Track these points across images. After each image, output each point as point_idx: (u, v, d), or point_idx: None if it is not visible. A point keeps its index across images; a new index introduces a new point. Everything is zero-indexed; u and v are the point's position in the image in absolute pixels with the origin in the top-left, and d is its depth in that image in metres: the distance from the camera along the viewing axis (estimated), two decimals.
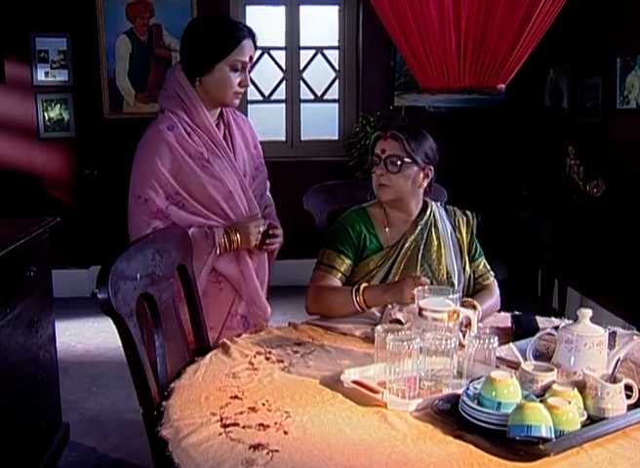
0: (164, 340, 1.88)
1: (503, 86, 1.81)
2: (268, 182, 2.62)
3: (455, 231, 2.43)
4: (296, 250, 5.42)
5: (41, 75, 5.33)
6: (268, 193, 2.62)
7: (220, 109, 2.36)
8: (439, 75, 1.74)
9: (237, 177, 2.32)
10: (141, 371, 1.70)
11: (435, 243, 2.38)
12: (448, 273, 2.35)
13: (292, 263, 5.45)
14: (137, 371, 1.70)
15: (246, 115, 5.61)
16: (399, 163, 2.30)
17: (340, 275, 2.33)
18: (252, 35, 2.26)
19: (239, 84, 2.25)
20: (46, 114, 5.36)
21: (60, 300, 3.35)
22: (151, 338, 1.88)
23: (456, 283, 2.33)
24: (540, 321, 2.18)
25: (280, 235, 2.47)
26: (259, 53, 5.64)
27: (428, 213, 2.39)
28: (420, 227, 2.37)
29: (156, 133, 2.24)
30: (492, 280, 2.46)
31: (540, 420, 1.39)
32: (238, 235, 2.28)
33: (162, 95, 2.33)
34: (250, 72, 2.31)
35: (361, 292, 2.20)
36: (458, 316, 1.86)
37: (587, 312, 1.72)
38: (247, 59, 2.24)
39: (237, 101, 2.32)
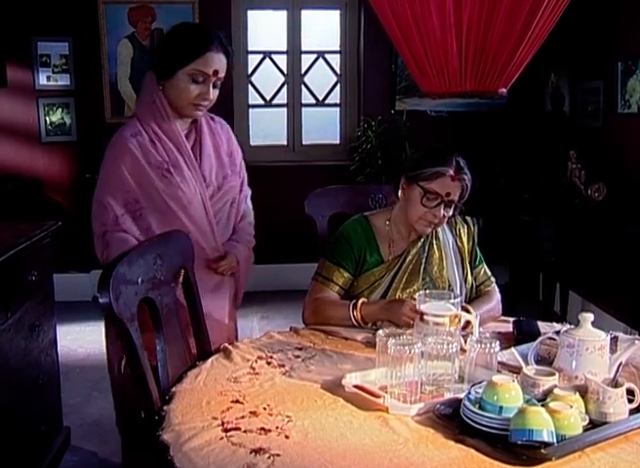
0: (165, 345, 1.88)
1: (505, 90, 1.80)
2: (249, 191, 2.57)
3: (456, 241, 2.41)
4: (297, 254, 5.45)
5: (43, 79, 5.33)
6: (248, 203, 2.57)
7: (189, 119, 2.33)
8: (440, 80, 1.74)
9: (199, 188, 2.28)
10: (142, 375, 1.70)
11: (436, 254, 2.36)
12: (449, 285, 2.34)
13: (293, 267, 5.47)
14: (137, 375, 1.70)
15: (247, 119, 5.67)
16: (457, 207, 2.28)
17: (337, 288, 2.32)
18: (224, 50, 2.20)
19: (198, 96, 2.19)
20: (47, 118, 5.37)
21: (62, 304, 3.34)
22: (153, 342, 1.88)
23: (457, 293, 2.32)
24: (542, 325, 2.18)
25: (228, 260, 2.38)
26: (260, 57, 5.67)
27: None
28: (421, 240, 2.35)
29: (120, 139, 2.24)
30: (493, 286, 2.44)
31: (542, 425, 1.39)
32: None
33: (138, 98, 2.34)
34: (217, 87, 2.23)
35: (358, 307, 2.19)
36: (459, 320, 1.87)
37: (589, 316, 1.72)
38: (209, 72, 2.16)
39: (199, 113, 2.26)
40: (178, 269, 2.03)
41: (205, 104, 2.23)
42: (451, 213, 2.27)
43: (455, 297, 1.92)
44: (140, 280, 1.77)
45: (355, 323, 2.18)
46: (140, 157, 2.20)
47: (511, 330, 2.18)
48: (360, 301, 2.20)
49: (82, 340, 4.52)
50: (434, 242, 2.37)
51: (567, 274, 4.71)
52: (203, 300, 2.16)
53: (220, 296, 2.40)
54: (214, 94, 2.23)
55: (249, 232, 2.53)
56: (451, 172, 2.21)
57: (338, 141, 5.85)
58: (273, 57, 5.71)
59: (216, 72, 2.18)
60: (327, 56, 5.78)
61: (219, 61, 2.18)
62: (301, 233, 3.69)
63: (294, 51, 5.71)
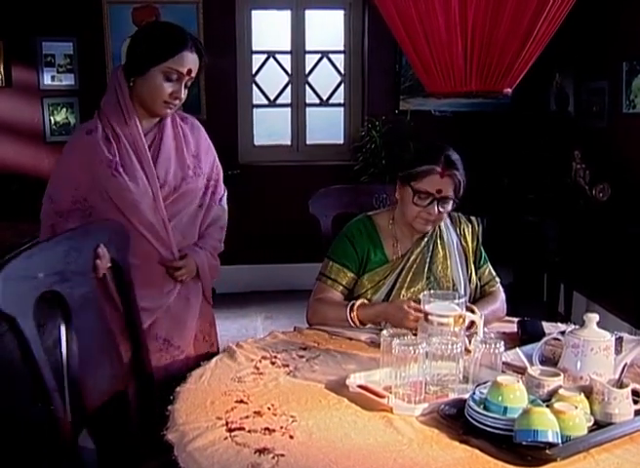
0: (77, 336, 1.86)
1: (510, 90, 1.80)
2: (224, 192, 2.52)
3: (460, 240, 2.40)
4: (301, 254, 5.45)
5: (47, 79, 5.34)
6: (223, 204, 2.50)
7: (155, 118, 2.29)
8: (445, 79, 1.74)
9: (152, 188, 2.22)
10: (36, 370, 1.66)
11: (441, 254, 2.36)
12: (454, 284, 2.34)
13: (297, 267, 5.47)
14: (31, 370, 1.67)
15: (251, 119, 5.67)
16: (450, 204, 2.26)
17: (341, 288, 2.32)
18: (197, 50, 2.20)
19: (170, 94, 2.17)
20: (52, 118, 5.37)
21: None
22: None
23: (461, 293, 2.32)
24: (547, 326, 2.18)
25: (186, 266, 2.31)
26: (264, 56, 5.67)
27: None
28: (426, 239, 2.35)
29: (76, 135, 2.27)
30: (497, 287, 2.44)
31: (547, 425, 1.39)
32: None
33: (105, 94, 2.28)
34: (187, 87, 2.22)
35: (355, 308, 2.19)
36: (463, 321, 1.86)
37: (594, 317, 1.71)
38: (183, 71, 2.15)
39: (168, 111, 2.23)
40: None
41: (176, 103, 2.21)
42: (449, 208, 2.26)
43: (459, 298, 1.91)
44: (41, 274, 1.72)
45: (353, 324, 2.18)
46: (90, 155, 2.18)
47: (516, 330, 2.17)
48: (358, 303, 2.20)
49: None
50: (438, 241, 2.37)
51: (571, 274, 4.71)
52: (161, 303, 2.24)
53: (182, 300, 2.34)
54: (184, 93, 2.22)
55: (216, 238, 2.45)
56: (438, 168, 2.20)
57: (342, 141, 5.85)
58: (277, 56, 5.71)
59: (189, 71, 2.18)
60: (331, 55, 5.77)
61: (193, 61, 2.18)
62: (305, 233, 3.69)
63: (298, 51, 5.71)
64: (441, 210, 2.23)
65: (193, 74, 2.20)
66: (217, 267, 2.43)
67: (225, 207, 2.52)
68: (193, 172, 2.34)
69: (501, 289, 2.45)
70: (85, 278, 1.91)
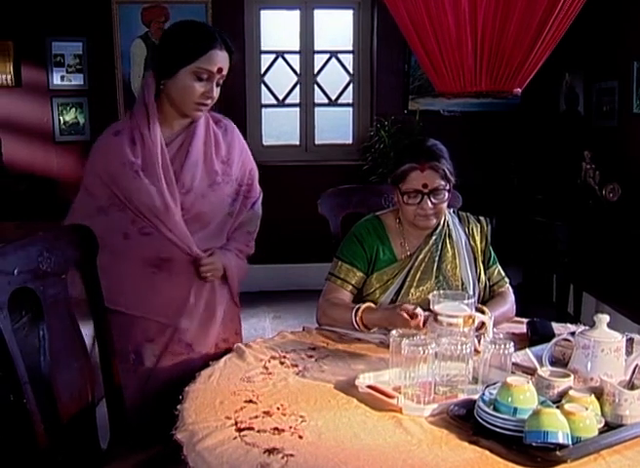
0: (48, 334, 1.90)
1: (520, 90, 1.79)
2: (260, 195, 2.48)
3: (469, 240, 2.40)
4: (310, 254, 5.45)
5: (57, 79, 5.36)
6: (255, 209, 2.47)
7: (185, 121, 2.26)
8: (455, 79, 1.74)
9: (172, 194, 2.19)
10: (10, 361, 1.70)
11: (449, 253, 2.35)
12: (463, 283, 2.33)
13: (306, 267, 5.47)
14: (5, 361, 1.70)
15: (260, 119, 5.68)
16: (445, 194, 2.24)
17: (350, 288, 2.32)
18: (227, 48, 2.17)
19: (202, 94, 2.15)
20: (61, 118, 5.40)
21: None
22: None
23: (470, 293, 2.31)
24: (556, 327, 2.17)
25: (213, 264, 2.28)
26: (273, 56, 5.68)
27: (442, 223, 2.35)
28: (434, 238, 2.35)
29: (104, 135, 2.26)
30: (507, 287, 2.43)
31: (557, 426, 1.38)
32: None
33: (137, 97, 2.32)
34: (219, 85, 2.19)
35: (360, 312, 2.17)
36: (473, 321, 1.86)
37: (604, 318, 1.71)
38: (214, 70, 2.13)
39: (200, 113, 2.21)
40: (73, 262, 2.02)
41: (208, 103, 2.19)
42: (445, 197, 2.24)
43: (469, 298, 1.91)
44: (16, 271, 1.77)
45: (357, 328, 2.18)
46: (113, 156, 2.18)
47: (525, 330, 2.17)
48: (363, 307, 2.19)
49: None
50: (447, 240, 2.36)
51: (581, 275, 4.69)
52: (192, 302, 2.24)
53: (208, 306, 2.33)
54: (216, 92, 2.20)
55: (242, 241, 2.43)
56: (416, 164, 2.19)
57: (350, 141, 5.85)
58: (286, 56, 5.71)
59: (220, 70, 2.15)
60: (340, 55, 5.77)
61: (223, 59, 2.16)
62: (314, 233, 3.69)
63: (307, 50, 5.71)
64: (435, 202, 2.23)
65: (224, 72, 2.18)
66: (244, 267, 2.42)
67: (258, 211, 2.48)
68: (222, 178, 2.30)
69: (511, 289, 2.44)
70: (56, 279, 1.94)
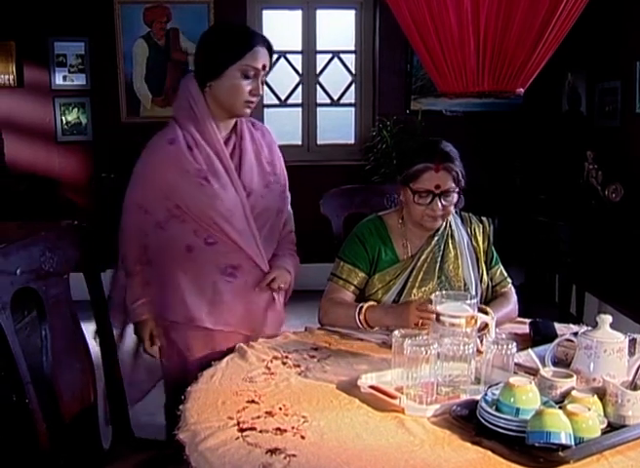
0: (50, 334, 1.92)
1: (522, 90, 1.79)
2: (289, 197, 2.49)
3: (471, 240, 2.39)
4: (312, 254, 5.43)
5: (59, 79, 5.36)
6: (289, 209, 2.50)
7: (234, 120, 2.27)
8: (458, 79, 1.73)
9: (239, 196, 2.21)
10: (12, 361, 1.70)
11: (452, 253, 2.35)
12: (465, 284, 2.33)
13: (308, 267, 5.45)
14: (7, 361, 1.71)
15: (262, 119, 5.68)
16: (454, 196, 2.24)
17: (352, 288, 2.32)
18: (267, 44, 2.19)
19: (250, 92, 2.15)
20: (64, 118, 5.40)
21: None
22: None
23: (473, 293, 2.31)
24: (559, 327, 2.17)
25: (281, 276, 2.32)
26: (275, 56, 5.66)
27: (445, 223, 2.35)
28: (436, 238, 2.34)
29: (157, 145, 2.18)
30: (509, 287, 2.43)
31: (560, 427, 1.38)
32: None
33: (175, 103, 2.27)
34: (263, 83, 2.21)
35: (363, 310, 2.18)
36: (475, 321, 1.85)
37: (607, 318, 1.70)
38: (259, 67, 2.14)
39: (248, 111, 2.21)
40: (75, 262, 2.03)
41: (255, 100, 2.19)
42: (454, 200, 2.24)
43: (471, 298, 1.91)
44: (18, 271, 1.78)
45: (361, 326, 2.18)
46: (177, 165, 2.14)
47: (528, 331, 2.16)
48: (366, 305, 2.20)
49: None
50: (449, 241, 2.36)
51: (584, 275, 4.68)
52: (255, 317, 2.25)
53: (273, 310, 2.35)
54: (262, 89, 2.21)
55: (290, 240, 2.47)
56: (432, 165, 2.19)
57: (352, 141, 5.85)
58: (288, 56, 5.71)
59: (264, 66, 2.17)
60: (342, 55, 5.77)
61: (265, 56, 2.17)
62: (316, 233, 3.68)
63: (309, 50, 5.71)
64: (445, 203, 2.23)
65: (267, 69, 2.19)
66: (298, 265, 2.46)
67: (291, 210, 2.51)
68: (272, 178, 2.33)
69: (513, 289, 2.43)
70: (58, 279, 1.95)
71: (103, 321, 2.14)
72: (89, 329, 2.13)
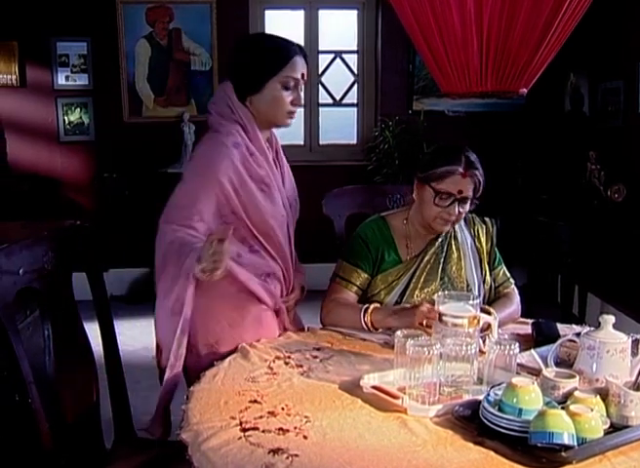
0: (53, 333, 1.94)
1: (525, 90, 1.79)
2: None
3: (474, 241, 2.39)
4: (314, 254, 5.43)
5: (61, 79, 5.37)
6: None
7: (269, 132, 2.23)
8: (461, 79, 1.73)
9: (285, 208, 2.21)
10: (15, 361, 1.71)
11: (455, 255, 2.35)
12: (468, 285, 2.33)
13: (310, 268, 5.45)
14: (9, 361, 1.71)
15: None
16: (470, 204, 2.26)
17: (355, 289, 2.31)
18: (303, 53, 2.16)
19: (291, 102, 2.12)
20: (66, 118, 5.40)
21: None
22: None
23: (475, 294, 2.30)
24: (561, 328, 2.16)
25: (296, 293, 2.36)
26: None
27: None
28: (439, 240, 2.34)
29: (221, 147, 2.07)
30: (512, 288, 2.43)
31: (563, 427, 1.37)
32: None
33: (213, 109, 2.17)
34: (302, 90, 2.18)
35: (369, 312, 2.18)
36: (478, 322, 1.85)
37: (610, 318, 1.70)
38: (299, 77, 2.12)
39: (290, 121, 2.18)
40: (77, 262, 2.03)
41: (296, 110, 2.17)
42: (467, 208, 2.25)
43: (474, 299, 1.90)
44: (21, 271, 1.78)
45: (366, 328, 2.18)
46: (243, 169, 2.09)
47: (530, 331, 2.16)
48: (372, 307, 2.19)
49: (98, 339, 4.52)
50: (452, 242, 2.35)
51: (586, 276, 4.68)
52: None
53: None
54: (302, 99, 2.19)
55: (296, 255, 2.44)
56: (460, 169, 2.19)
57: (355, 141, 5.85)
58: None
59: (303, 75, 2.15)
60: (344, 55, 5.77)
61: (303, 65, 2.15)
62: (318, 233, 3.67)
63: (311, 50, 5.70)
64: (460, 210, 2.23)
65: (305, 77, 2.17)
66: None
67: None
68: (297, 192, 2.35)
69: (516, 290, 2.43)
70: (60, 279, 1.96)
71: (106, 320, 2.14)
72: (91, 328, 2.13)
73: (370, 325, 2.17)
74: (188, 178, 2.11)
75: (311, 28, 5.68)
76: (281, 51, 2.11)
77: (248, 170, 2.10)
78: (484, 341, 1.85)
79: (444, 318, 1.84)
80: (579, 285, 4.73)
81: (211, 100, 2.22)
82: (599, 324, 1.72)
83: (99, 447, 2.06)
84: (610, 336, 1.68)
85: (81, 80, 5.39)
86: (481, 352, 1.80)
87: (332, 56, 5.75)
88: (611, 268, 4.60)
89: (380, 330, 2.17)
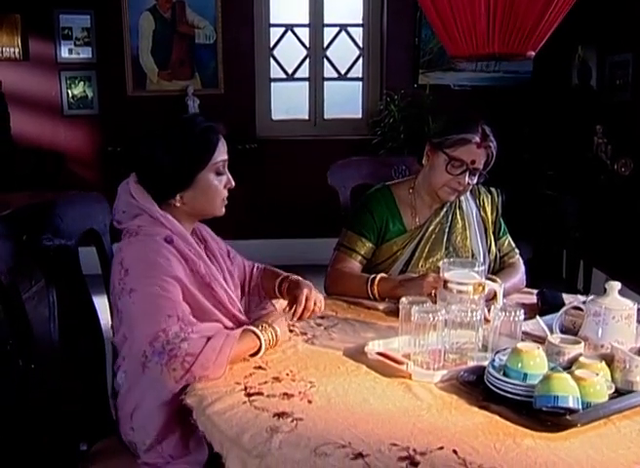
0: (58, 300, 1.90)
1: (533, 53, 1.76)
2: (238, 256, 2.19)
3: (479, 211, 2.39)
4: (318, 229, 5.44)
5: (65, 52, 5.33)
6: (245, 260, 2.21)
7: (193, 225, 1.97)
8: (468, 41, 1.71)
9: (232, 298, 1.93)
10: (23, 327, 1.73)
11: (460, 224, 2.34)
12: (473, 255, 2.32)
13: (314, 242, 5.46)
14: (15, 327, 1.72)
15: (269, 94, 5.64)
16: (481, 175, 2.25)
17: (360, 258, 2.31)
18: (223, 130, 1.90)
19: (225, 187, 1.90)
20: (70, 91, 5.37)
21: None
22: None
23: (480, 261, 2.30)
24: (567, 297, 2.16)
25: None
26: (282, 30, 5.63)
27: None
28: (444, 209, 2.34)
29: (152, 243, 1.78)
30: (517, 258, 2.43)
31: (568, 391, 1.37)
32: (278, 331, 1.80)
33: (124, 217, 1.86)
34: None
35: (376, 282, 2.17)
36: (483, 289, 1.84)
37: (616, 285, 1.69)
38: (226, 158, 1.89)
39: (224, 209, 1.94)
40: (85, 231, 2.01)
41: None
42: (475, 180, 2.24)
43: (479, 266, 1.90)
44: (24, 237, 1.77)
45: (372, 297, 2.17)
46: (184, 264, 1.82)
47: (535, 301, 2.16)
48: (378, 277, 2.18)
49: (106, 313, 4.53)
50: (457, 212, 2.35)
51: (591, 250, 4.65)
52: None
53: None
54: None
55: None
56: (477, 139, 2.18)
57: (360, 116, 5.81)
58: (295, 30, 5.66)
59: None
60: (349, 29, 5.72)
61: (224, 143, 1.91)
62: (323, 208, 3.67)
63: (316, 24, 5.66)
64: (469, 181, 2.22)
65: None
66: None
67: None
68: (230, 258, 2.16)
69: (521, 260, 2.43)
70: (69, 246, 1.94)
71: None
72: (100, 303, 2.10)
73: (377, 295, 2.16)
74: (142, 290, 1.72)
75: (316, 1, 5.62)
76: (207, 138, 1.87)
77: (190, 264, 1.83)
78: (489, 311, 1.85)
79: (449, 285, 1.83)
80: (584, 259, 4.70)
81: (117, 206, 1.89)
82: (605, 290, 1.71)
83: (105, 417, 2.06)
84: (615, 303, 1.68)
85: (84, 53, 5.35)
86: (486, 321, 1.79)
87: (337, 29, 5.70)
88: (617, 243, 4.58)
89: (386, 299, 2.17)
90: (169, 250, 1.77)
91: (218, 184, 1.88)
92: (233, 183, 1.92)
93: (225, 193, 1.92)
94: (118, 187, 1.90)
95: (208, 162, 1.85)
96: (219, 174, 1.88)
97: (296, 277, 2.06)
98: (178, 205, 1.86)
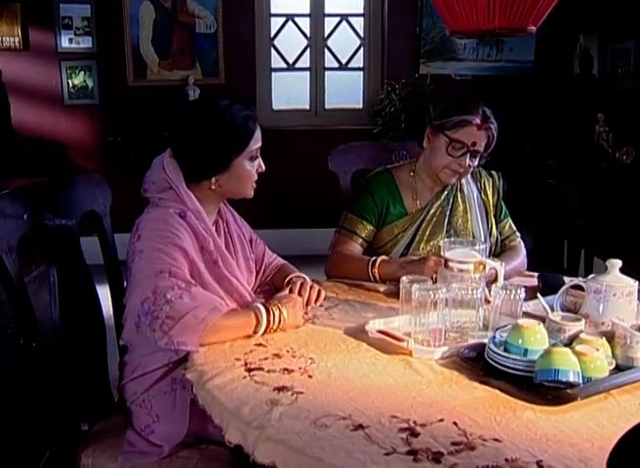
0: (59, 280, 1.92)
1: (534, 28, 1.76)
2: (263, 246, 2.28)
3: (480, 193, 2.39)
4: (319, 219, 5.43)
5: (65, 42, 5.32)
6: (269, 252, 2.30)
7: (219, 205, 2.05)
8: (468, 16, 1.70)
9: (239, 279, 1.97)
10: (24, 305, 1.72)
11: (461, 207, 2.34)
12: (474, 237, 2.32)
13: (315, 232, 5.46)
14: (16, 304, 1.71)
15: (269, 84, 5.63)
16: (480, 159, 2.25)
17: (360, 241, 2.30)
18: (257, 118, 1.97)
19: (256, 172, 1.98)
20: (70, 81, 5.37)
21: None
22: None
23: (481, 240, 2.30)
24: (568, 280, 2.15)
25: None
26: (283, 20, 5.62)
27: None
28: (445, 192, 2.33)
29: (167, 215, 1.85)
30: (518, 241, 2.43)
31: (568, 365, 1.37)
32: (285, 312, 1.79)
33: (152, 188, 1.93)
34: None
35: (377, 265, 2.16)
36: (484, 267, 1.84)
37: (617, 262, 1.69)
38: (260, 145, 1.96)
39: (253, 191, 2.02)
40: (86, 212, 2.02)
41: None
42: (476, 163, 2.24)
43: (480, 244, 1.89)
44: (25, 216, 1.76)
45: (373, 280, 2.17)
46: (194, 238, 1.89)
47: (536, 284, 2.15)
48: (379, 259, 2.18)
49: (107, 301, 4.53)
50: (458, 194, 2.34)
51: (592, 239, 4.65)
52: None
53: None
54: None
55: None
56: (477, 120, 2.17)
57: (360, 105, 5.80)
58: (296, 20, 5.65)
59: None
60: (350, 19, 5.71)
61: (259, 132, 1.97)
62: (323, 198, 3.67)
63: (317, 14, 5.65)
64: (470, 163, 2.21)
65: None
66: None
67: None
68: (249, 251, 2.20)
69: (522, 243, 2.43)
70: (69, 226, 1.94)
71: (116, 282, 2.12)
72: (102, 292, 2.10)
73: (378, 277, 2.16)
74: (149, 246, 1.80)
75: None
76: (244, 126, 1.92)
77: (199, 240, 1.89)
78: (490, 291, 1.84)
79: (450, 263, 1.83)
80: (585, 248, 4.70)
81: (149, 176, 1.96)
82: (606, 268, 1.71)
83: (105, 399, 2.06)
84: (616, 280, 1.68)
85: (85, 43, 5.34)
86: (487, 301, 1.79)
87: (338, 19, 5.69)
88: (618, 231, 4.57)
89: (387, 282, 2.17)
90: (180, 223, 1.85)
91: (250, 169, 1.97)
92: (264, 167, 2.01)
93: (256, 177, 2.00)
94: (153, 159, 1.98)
95: (245, 149, 1.92)
96: (252, 159, 1.96)
97: (303, 276, 2.10)
98: (213, 187, 1.93)
